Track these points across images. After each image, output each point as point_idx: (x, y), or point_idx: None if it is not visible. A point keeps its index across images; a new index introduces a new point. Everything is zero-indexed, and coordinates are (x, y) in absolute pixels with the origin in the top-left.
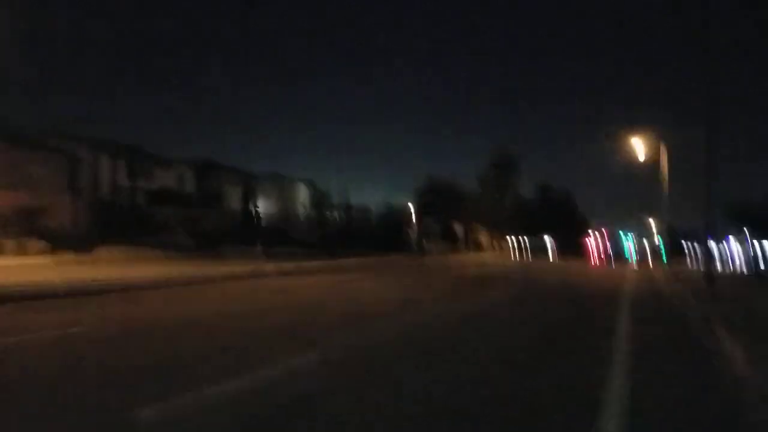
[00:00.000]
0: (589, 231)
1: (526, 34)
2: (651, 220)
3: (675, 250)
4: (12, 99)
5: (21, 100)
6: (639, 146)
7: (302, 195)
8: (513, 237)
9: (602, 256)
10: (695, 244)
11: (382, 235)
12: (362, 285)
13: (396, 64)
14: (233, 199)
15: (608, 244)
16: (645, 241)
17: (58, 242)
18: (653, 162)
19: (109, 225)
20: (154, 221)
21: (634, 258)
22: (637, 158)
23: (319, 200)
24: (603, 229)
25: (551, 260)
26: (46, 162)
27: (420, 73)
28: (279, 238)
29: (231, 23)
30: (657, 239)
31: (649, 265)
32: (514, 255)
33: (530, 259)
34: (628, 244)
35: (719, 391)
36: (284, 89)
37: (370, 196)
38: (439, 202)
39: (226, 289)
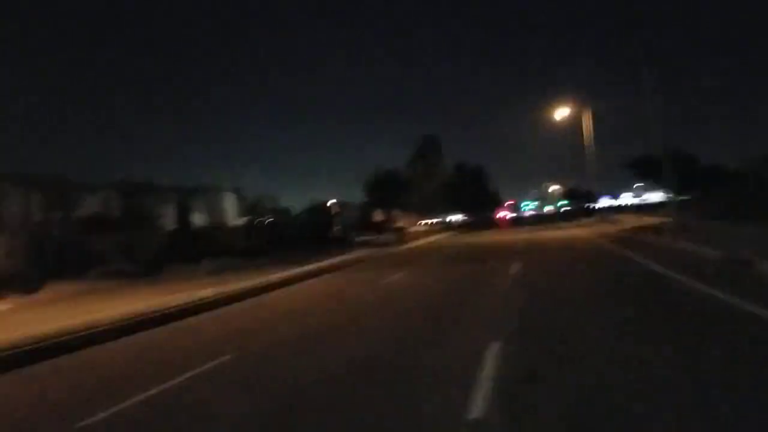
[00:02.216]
0: (500, 203)
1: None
2: (554, 187)
3: (580, 212)
4: None
5: None
6: (563, 112)
7: (231, 204)
8: (434, 216)
9: (507, 224)
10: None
11: (310, 233)
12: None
13: (327, 62)
14: (165, 216)
15: (514, 212)
16: (548, 207)
17: (5, 285)
18: (573, 127)
19: (48, 260)
20: (91, 250)
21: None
22: (555, 127)
23: (249, 207)
24: (510, 201)
25: (470, 231)
26: None
27: (348, 72)
28: (215, 249)
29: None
30: (555, 204)
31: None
32: (435, 231)
33: (449, 234)
34: (530, 211)
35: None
36: (202, 96)
37: (319, 193)
38: (386, 192)
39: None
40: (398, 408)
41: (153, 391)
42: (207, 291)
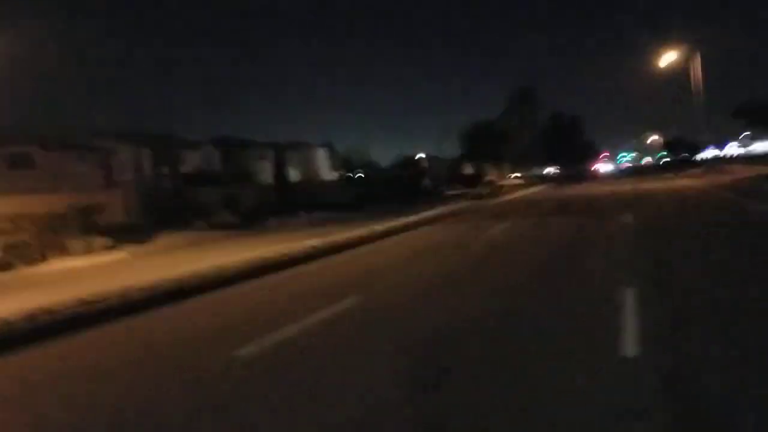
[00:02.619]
0: (596, 154)
1: None
2: (653, 138)
3: (684, 162)
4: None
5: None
6: (668, 58)
7: (323, 159)
8: (527, 168)
9: (604, 176)
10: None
11: (399, 187)
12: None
13: (418, 14)
14: (262, 171)
15: (610, 164)
16: (647, 158)
17: (117, 236)
18: (680, 74)
19: (157, 213)
20: (196, 203)
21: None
22: (656, 75)
23: (341, 162)
24: (606, 152)
25: (565, 184)
26: (85, 160)
27: (440, 23)
28: (312, 204)
29: None
30: (655, 155)
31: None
32: (528, 184)
33: (544, 186)
34: (627, 163)
35: None
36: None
37: (409, 147)
38: (480, 144)
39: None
40: (546, 348)
41: (293, 328)
42: (313, 241)
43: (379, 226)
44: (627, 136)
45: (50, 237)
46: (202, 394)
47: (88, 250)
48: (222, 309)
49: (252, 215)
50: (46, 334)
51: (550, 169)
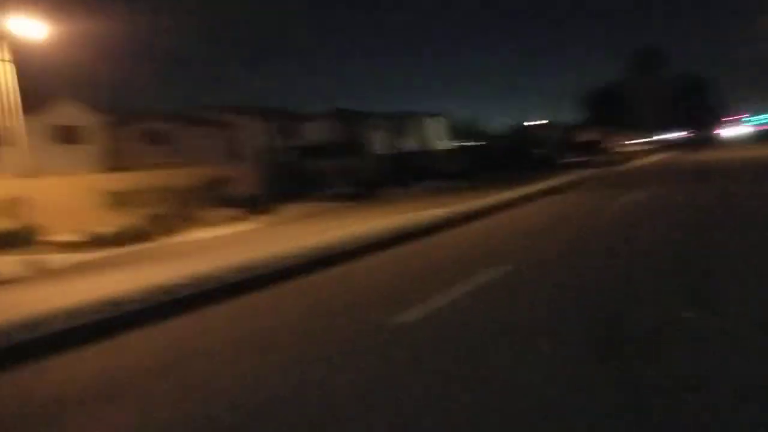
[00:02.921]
0: (725, 117)
1: None
2: None
3: None
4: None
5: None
6: None
7: (436, 129)
8: (650, 133)
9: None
10: None
11: (513, 155)
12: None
13: None
14: (377, 142)
15: (741, 127)
16: None
17: (244, 208)
18: None
19: (279, 184)
20: (315, 175)
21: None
22: None
23: (454, 131)
24: (738, 115)
25: (694, 149)
26: (213, 134)
27: None
28: (426, 174)
29: None
30: None
31: None
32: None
33: (671, 153)
34: (762, 125)
35: None
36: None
37: (523, 115)
38: (601, 110)
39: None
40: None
41: (453, 295)
42: (439, 210)
43: (502, 195)
44: (763, 99)
45: (186, 209)
46: (367, 361)
47: (220, 222)
48: (367, 277)
49: (369, 186)
50: (209, 299)
51: (675, 134)
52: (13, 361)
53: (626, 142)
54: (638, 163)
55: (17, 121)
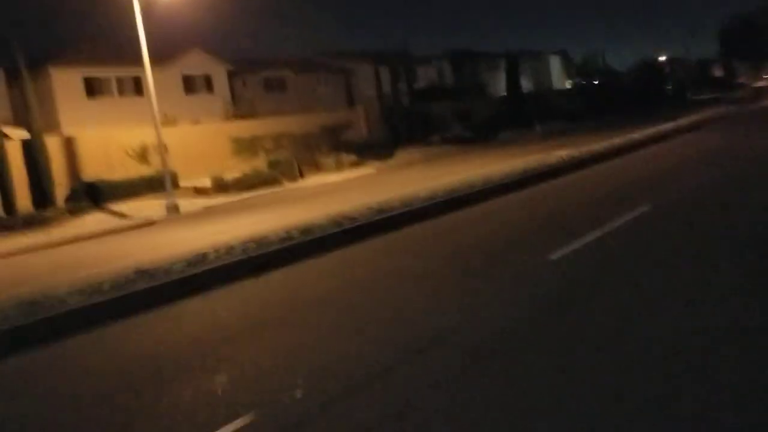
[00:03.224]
0: None
1: None
2: None
3: None
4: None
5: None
6: None
7: (556, 67)
8: None
9: None
10: None
11: (640, 93)
12: None
13: None
14: (494, 83)
15: None
16: None
17: (361, 152)
18: None
19: (397, 129)
20: (432, 118)
21: None
22: None
23: (575, 69)
24: None
25: None
26: (329, 81)
27: None
28: (545, 115)
29: None
30: None
31: None
32: None
33: None
34: None
35: None
36: None
37: (658, 51)
38: (739, 42)
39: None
40: None
41: (599, 233)
42: (563, 151)
43: (625, 137)
44: None
45: (308, 154)
46: (541, 292)
47: (339, 166)
48: (512, 216)
49: (485, 128)
50: (350, 238)
51: None
52: (186, 293)
53: (763, 77)
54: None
55: (147, 72)
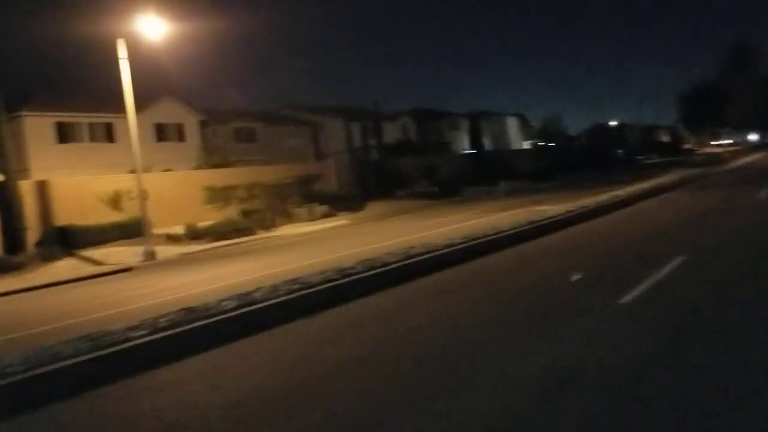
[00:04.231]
0: None
1: None
2: None
3: None
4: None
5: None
6: None
7: (515, 128)
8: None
9: None
10: None
11: (592, 156)
12: None
13: None
14: (456, 141)
15: None
16: None
17: (332, 204)
18: None
19: (365, 182)
20: (398, 173)
21: None
22: None
23: (533, 131)
24: None
25: None
26: (298, 133)
27: None
28: (505, 174)
29: None
30: None
31: None
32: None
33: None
34: None
35: None
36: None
37: (601, 115)
38: (696, 109)
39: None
40: None
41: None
42: (545, 207)
43: (598, 197)
44: None
45: (278, 204)
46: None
47: (311, 217)
48: (552, 262)
49: (449, 184)
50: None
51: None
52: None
53: (708, 143)
54: (737, 162)
55: (130, 119)
